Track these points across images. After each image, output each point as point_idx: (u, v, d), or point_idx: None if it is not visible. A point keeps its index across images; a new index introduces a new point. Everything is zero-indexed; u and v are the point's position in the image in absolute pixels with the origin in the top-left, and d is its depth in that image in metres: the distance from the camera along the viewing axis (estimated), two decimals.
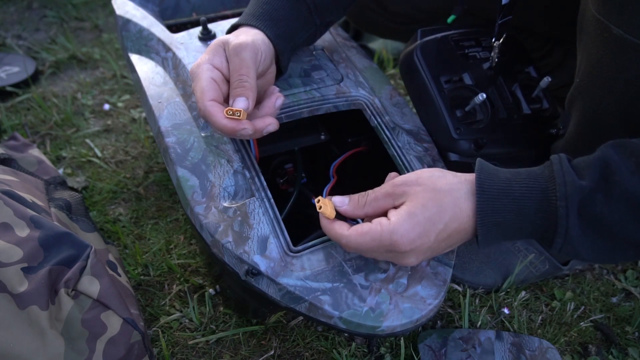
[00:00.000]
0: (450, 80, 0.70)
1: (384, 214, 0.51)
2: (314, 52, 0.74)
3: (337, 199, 0.53)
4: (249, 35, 0.58)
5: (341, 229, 0.50)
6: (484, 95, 0.65)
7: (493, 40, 0.69)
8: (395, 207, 0.50)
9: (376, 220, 0.49)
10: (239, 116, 0.53)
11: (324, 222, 0.52)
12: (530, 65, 0.74)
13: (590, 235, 0.47)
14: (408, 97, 0.84)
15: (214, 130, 0.59)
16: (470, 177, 0.50)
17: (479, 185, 0.49)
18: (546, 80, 0.68)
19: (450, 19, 0.72)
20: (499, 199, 0.48)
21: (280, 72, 0.66)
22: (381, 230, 0.48)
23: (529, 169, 0.50)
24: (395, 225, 0.48)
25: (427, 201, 0.49)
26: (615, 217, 0.46)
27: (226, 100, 0.56)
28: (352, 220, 0.54)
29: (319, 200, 0.52)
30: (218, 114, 0.53)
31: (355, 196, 0.53)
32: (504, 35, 0.68)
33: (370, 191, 0.52)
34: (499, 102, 0.69)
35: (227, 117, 0.53)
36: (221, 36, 0.58)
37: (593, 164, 0.47)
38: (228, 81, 0.56)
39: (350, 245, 0.50)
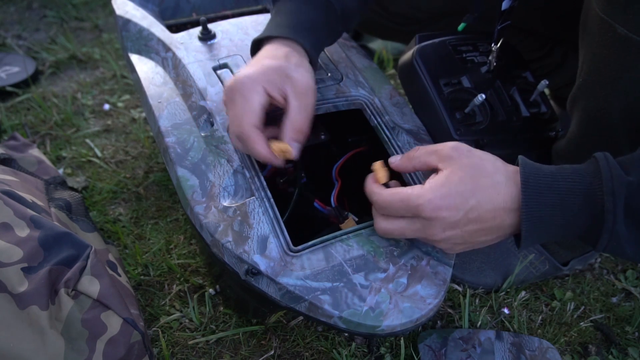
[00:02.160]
0: (449, 83, 0.70)
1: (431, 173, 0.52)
2: None
3: (392, 157, 0.56)
4: (296, 56, 0.58)
5: (378, 187, 0.53)
6: (483, 96, 0.65)
7: (492, 44, 0.69)
8: (437, 171, 0.51)
9: (410, 186, 0.50)
10: (283, 155, 0.55)
11: (368, 180, 0.54)
12: (527, 70, 0.75)
13: (635, 231, 0.46)
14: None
15: (241, 150, 0.58)
16: (515, 168, 0.50)
17: (524, 179, 0.48)
18: (543, 83, 0.69)
19: (460, 27, 0.72)
20: (544, 194, 0.47)
21: None
22: (411, 192, 0.49)
23: (573, 165, 0.49)
24: (426, 190, 0.48)
25: (466, 176, 0.48)
26: None
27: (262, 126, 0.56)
28: None
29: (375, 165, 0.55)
30: (260, 142, 0.54)
31: (408, 152, 0.55)
32: (501, 40, 0.69)
33: (421, 146, 0.54)
34: (497, 104, 0.70)
35: (271, 150, 0.54)
36: (274, 58, 0.56)
37: (638, 160, 0.46)
38: (274, 109, 0.56)
39: (380, 203, 0.51)
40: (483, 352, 0.65)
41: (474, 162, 0.49)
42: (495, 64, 0.70)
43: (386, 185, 0.54)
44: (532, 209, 0.47)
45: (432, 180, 0.49)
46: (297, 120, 0.55)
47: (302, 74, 0.56)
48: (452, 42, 0.74)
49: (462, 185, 0.48)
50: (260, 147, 0.54)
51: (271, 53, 0.58)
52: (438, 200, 0.48)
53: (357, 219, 0.63)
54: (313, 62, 0.61)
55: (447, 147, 0.51)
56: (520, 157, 0.50)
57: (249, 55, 0.72)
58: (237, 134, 0.55)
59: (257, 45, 0.62)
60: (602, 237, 0.47)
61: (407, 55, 0.72)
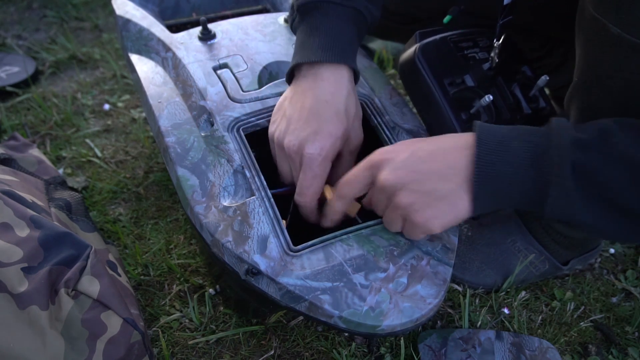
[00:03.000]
0: (453, 83, 0.69)
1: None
2: None
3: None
4: (352, 95, 0.60)
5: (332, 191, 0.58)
6: (491, 97, 0.64)
7: (494, 40, 0.69)
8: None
9: None
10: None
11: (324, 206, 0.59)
12: (525, 64, 0.74)
13: (585, 193, 0.46)
14: (408, 97, 0.84)
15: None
16: (467, 133, 0.51)
17: (478, 138, 0.49)
18: (544, 79, 0.68)
19: (446, 20, 0.72)
20: (496, 151, 0.48)
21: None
22: (373, 155, 0.54)
23: (528, 126, 0.50)
24: (386, 147, 0.55)
25: (412, 141, 0.54)
26: (613, 177, 0.45)
27: None
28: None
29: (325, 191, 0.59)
30: (316, 211, 0.61)
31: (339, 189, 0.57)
32: (504, 37, 0.68)
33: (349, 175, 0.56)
34: (501, 103, 0.69)
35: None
36: (337, 116, 0.57)
37: (592, 125, 0.47)
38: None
39: (341, 189, 0.56)
40: (483, 352, 0.65)
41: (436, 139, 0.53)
42: (497, 60, 0.70)
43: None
44: (485, 166, 0.48)
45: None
46: (345, 171, 0.57)
47: (357, 131, 0.61)
48: (453, 39, 0.72)
49: (409, 141, 0.54)
50: (316, 216, 0.61)
51: (328, 96, 0.57)
52: (386, 148, 0.54)
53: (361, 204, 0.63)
54: (357, 79, 0.62)
55: (376, 153, 0.54)
56: (476, 121, 0.52)
57: (249, 55, 0.72)
58: (299, 202, 0.59)
59: (297, 66, 0.60)
60: (550, 195, 0.47)
61: (408, 54, 0.71)
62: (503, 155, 0.48)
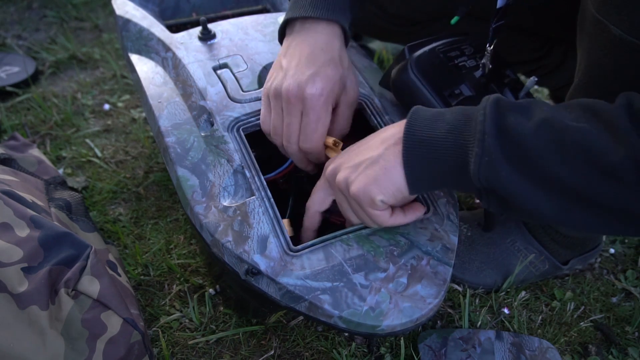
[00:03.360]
0: (452, 94, 0.68)
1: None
2: None
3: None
4: (344, 52, 0.60)
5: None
6: None
7: (487, 45, 0.68)
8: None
9: None
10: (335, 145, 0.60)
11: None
12: (508, 68, 0.73)
13: (510, 160, 0.44)
14: None
15: (294, 157, 0.62)
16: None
17: (411, 112, 0.51)
18: (532, 80, 0.67)
19: (453, 21, 0.71)
20: (428, 120, 0.49)
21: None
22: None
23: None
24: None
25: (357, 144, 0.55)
26: (538, 145, 0.43)
27: None
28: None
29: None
30: (324, 154, 0.61)
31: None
32: (495, 41, 0.68)
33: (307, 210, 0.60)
34: None
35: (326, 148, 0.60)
36: (331, 63, 0.58)
37: (525, 99, 0.47)
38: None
39: (310, 205, 0.58)
40: (483, 352, 0.65)
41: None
42: (490, 66, 0.69)
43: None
44: (413, 133, 0.49)
45: None
46: (343, 126, 0.61)
47: (353, 82, 0.61)
48: (441, 49, 0.71)
49: (356, 145, 0.55)
50: (325, 158, 0.60)
51: (323, 44, 0.59)
52: (337, 157, 0.56)
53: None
54: (347, 41, 0.62)
55: (326, 172, 0.56)
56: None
57: (249, 55, 0.72)
58: (307, 149, 0.59)
59: (287, 23, 0.62)
60: (474, 154, 0.45)
61: (400, 70, 0.69)
62: (433, 124, 0.49)
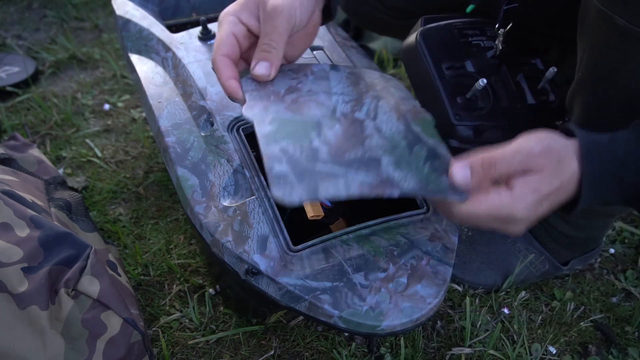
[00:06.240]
0: (452, 67, 0.68)
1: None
2: (313, 52, 0.74)
3: (459, 175, 0.47)
4: None
5: (457, 206, 0.47)
6: (485, 81, 0.63)
7: (497, 27, 0.68)
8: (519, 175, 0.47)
9: (494, 191, 0.46)
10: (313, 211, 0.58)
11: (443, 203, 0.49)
12: (537, 57, 0.73)
13: None
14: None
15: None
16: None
17: (584, 147, 0.47)
18: (552, 70, 0.67)
19: (469, 9, 0.71)
20: (602, 146, 0.47)
21: (329, 17, 0.60)
22: (500, 202, 0.45)
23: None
24: (518, 200, 0.45)
25: (552, 176, 0.46)
26: None
27: (243, 58, 0.55)
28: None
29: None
30: (225, 71, 0.52)
31: (479, 169, 0.47)
32: (510, 25, 0.67)
33: (498, 163, 0.47)
34: (502, 90, 0.68)
35: (233, 79, 0.52)
36: None
37: None
38: (253, 36, 0.55)
39: (462, 214, 0.47)
40: (316, 78, 0.58)
41: (553, 158, 0.47)
42: (501, 48, 0.68)
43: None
44: (592, 155, 0.46)
45: (522, 187, 0.46)
46: (263, 39, 0.53)
47: (306, 11, 0.54)
48: (458, 26, 0.71)
49: (551, 185, 0.46)
50: (222, 74, 0.52)
51: None
52: (530, 207, 0.46)
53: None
54: (332, 8, 0.58)
55: (536, 151, 0.47)
56: (573, 127, 0.48)
57: None
58: (213, 65, 0.54)
59: None
60: None
61: (410, 38, 0.71)
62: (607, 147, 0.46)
